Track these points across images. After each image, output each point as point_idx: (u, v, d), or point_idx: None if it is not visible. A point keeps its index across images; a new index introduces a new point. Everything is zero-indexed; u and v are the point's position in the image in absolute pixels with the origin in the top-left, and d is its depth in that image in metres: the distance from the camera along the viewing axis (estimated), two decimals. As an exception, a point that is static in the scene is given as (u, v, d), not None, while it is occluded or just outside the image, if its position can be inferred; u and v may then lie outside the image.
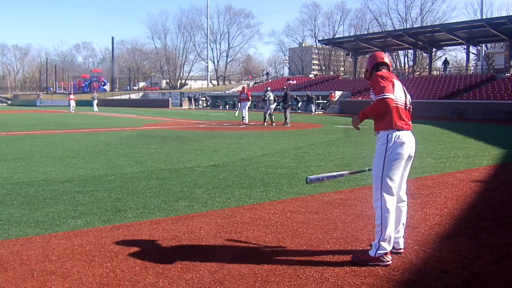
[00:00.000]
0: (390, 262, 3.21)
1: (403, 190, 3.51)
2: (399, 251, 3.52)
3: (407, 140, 3.31)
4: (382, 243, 3.22)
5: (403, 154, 3.28)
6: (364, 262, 3.22)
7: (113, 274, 3.08)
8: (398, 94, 3.31)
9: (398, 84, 3.36)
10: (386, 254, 3.21)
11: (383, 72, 3.38)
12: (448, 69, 42.50)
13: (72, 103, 36.45)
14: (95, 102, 38.01)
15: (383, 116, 3.28)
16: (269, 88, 19.53)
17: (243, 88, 21.37)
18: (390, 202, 3.28)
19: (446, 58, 45.97)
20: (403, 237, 3.57)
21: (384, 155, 3.27)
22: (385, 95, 3.18)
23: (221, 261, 3.32)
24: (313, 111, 34.34)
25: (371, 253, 3.24)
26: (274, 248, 3.63)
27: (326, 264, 3.26)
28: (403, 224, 3.54)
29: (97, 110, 36.55)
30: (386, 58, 3.55)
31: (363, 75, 3.86)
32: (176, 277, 3.02)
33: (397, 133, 3.27)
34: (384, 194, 3.27)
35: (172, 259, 3.35)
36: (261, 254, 3.49)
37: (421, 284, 2.93)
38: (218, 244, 3.73)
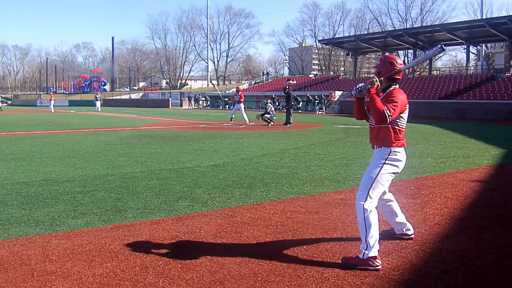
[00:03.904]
0: (379, 267, 3.16)
1: (387, 191, 3.76)
2: (411, 236, 3.81)
3: (403, 157, 3.51)
4: (369, 240, 3.21)
5: (399, 167, 3.49)
6: (352, 266, 3.19)
7: (113, 274, 3.08)
8: (405, 117, 3.46)
9: (407, 106, 3.48)
10: (375, 258, 3.17)
11: (402, 94, 3.41)
12: (412, 73, 43.49)
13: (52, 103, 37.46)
14: (98, 102, 38.46)
15: (386, 134, 3.41)
16: (269, 100, 21.25)
17: (237, 89, 22.10)
18: (373, 203, 3.37)
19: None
20: (406, 221, 3.82)
21: (383, 161, 3.42)
22: (390, 115, 3.29)
23: (221, 261, 3.32)
24: (324, 110, 34.85)
25: (360, 256, 3.22)
26: (274, 248, 3.63)
27: (326, 264, 3.26)
28: (399, 214, 3.79)
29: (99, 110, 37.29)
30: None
31: (373, 71, 3.87)
32: (176, 277, 3.02)
33: (399, 149, 3.46)
34: (371, 194, 3.36)
35: (172, 259, 3.35)
36: (261, 254, 3.49)
37: (421, 284, 2.92)
38: (218, 244, 3.73)
